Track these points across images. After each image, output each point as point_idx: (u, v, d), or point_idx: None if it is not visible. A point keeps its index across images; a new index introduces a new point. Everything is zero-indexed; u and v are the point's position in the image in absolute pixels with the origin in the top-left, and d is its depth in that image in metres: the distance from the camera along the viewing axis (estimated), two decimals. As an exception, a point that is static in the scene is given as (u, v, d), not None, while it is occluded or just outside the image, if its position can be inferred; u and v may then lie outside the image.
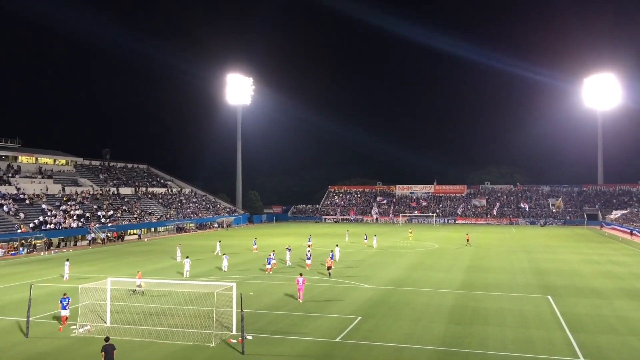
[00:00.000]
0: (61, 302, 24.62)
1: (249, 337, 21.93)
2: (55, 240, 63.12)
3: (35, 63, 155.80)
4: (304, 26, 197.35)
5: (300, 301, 29.30)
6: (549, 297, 30.69)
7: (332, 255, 41.48)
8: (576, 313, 26.66)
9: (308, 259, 42.76)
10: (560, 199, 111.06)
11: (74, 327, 23.95)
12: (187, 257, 40.64)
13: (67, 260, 39.82)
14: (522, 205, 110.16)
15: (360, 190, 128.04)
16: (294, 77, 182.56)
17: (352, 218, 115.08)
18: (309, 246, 53.93)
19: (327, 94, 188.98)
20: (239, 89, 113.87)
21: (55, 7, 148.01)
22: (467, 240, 60.80)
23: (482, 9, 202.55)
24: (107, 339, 18.34)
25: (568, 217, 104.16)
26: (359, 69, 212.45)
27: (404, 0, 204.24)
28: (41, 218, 64.05)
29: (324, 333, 23.17)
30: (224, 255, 42.77)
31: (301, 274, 30.50)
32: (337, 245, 49.45)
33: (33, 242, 59.66)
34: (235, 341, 21.67)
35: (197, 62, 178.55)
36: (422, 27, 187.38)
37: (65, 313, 24.46)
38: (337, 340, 22.21)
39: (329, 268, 38.58)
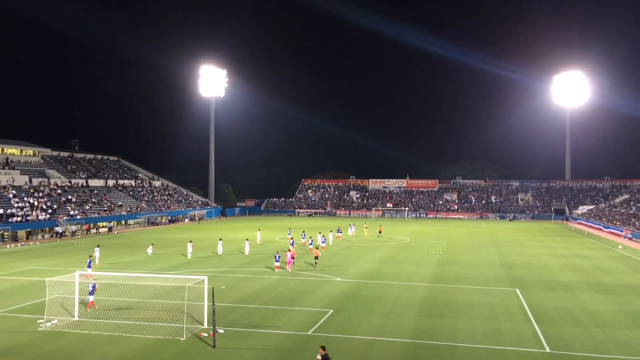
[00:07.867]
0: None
1: (221, 331, 21.84)
2: (22, 233, 61.64)
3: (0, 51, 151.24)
4: (279, 18, 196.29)
5: (289, 270, 36.87)
6: (517, 290, 31.34)
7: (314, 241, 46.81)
8: (543, 306, 27.29)
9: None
10: (528, 193, 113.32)
11: (41, 321, 23.49)
12: (190, 242, 45.74)
13: (98, 246, 42.95)
14: (492, 199, 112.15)
15: (334, 184, 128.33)
16: (268, 69, 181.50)
17: (328, 210, 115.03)
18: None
19: (301, 86, 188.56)
20: (212, 81, 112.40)
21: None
22: (380, 232, 64.80)
23: (457, 7, 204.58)
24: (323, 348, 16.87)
25: (536, 212, 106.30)
26: (334, 63, 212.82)
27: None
28: (7, 210, 62.42)
29: (296, 326, 23.22)
30: (247, 241, 47.96)
31: (290, 250, 40.71)
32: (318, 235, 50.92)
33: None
34: (206, 335, 21.56)
35: (170, 53, 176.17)
36: (397, 22, 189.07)
37: (92, 298, 25.57)
38: (309, 333, 22.29)
39: (316, 257, 40.18)
